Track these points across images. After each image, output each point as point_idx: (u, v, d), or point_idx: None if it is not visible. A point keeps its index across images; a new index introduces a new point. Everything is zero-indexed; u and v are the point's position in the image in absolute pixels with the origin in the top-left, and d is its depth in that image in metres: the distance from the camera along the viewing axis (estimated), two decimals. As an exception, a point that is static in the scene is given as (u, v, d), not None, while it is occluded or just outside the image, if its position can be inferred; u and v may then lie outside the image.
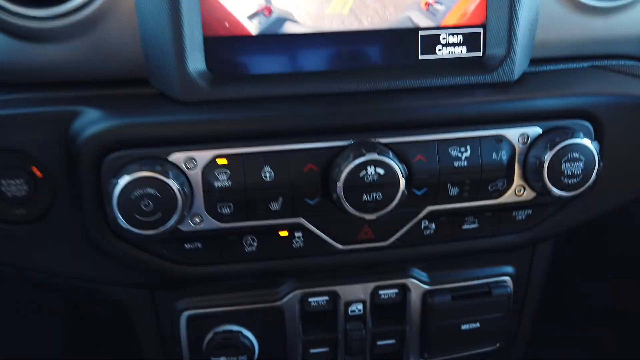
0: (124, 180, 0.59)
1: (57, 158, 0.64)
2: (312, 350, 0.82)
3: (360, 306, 0.79)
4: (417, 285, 0.79)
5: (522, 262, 0.84)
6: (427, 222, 0.71)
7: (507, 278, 0.83)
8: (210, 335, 0.77)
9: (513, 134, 0.68)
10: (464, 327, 0.82)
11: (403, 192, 0.64)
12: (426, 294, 0.80)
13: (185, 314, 0.76)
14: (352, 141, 0.64)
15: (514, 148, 0.68)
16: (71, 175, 0.64)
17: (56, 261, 0.70)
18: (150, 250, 0.67)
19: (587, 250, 1.00)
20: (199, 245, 0.67)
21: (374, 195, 0.63)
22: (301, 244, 0.69)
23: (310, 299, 0.78)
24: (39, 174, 0.66)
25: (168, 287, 0.76)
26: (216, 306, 0.77)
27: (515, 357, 0.93)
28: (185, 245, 0.67)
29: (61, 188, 0.65)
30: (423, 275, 0.80)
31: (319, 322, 0.81)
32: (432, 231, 0.71)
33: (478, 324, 0.82)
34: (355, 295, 0.79)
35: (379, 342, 0.83)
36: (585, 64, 0.77)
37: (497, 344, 0.87)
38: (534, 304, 0.88)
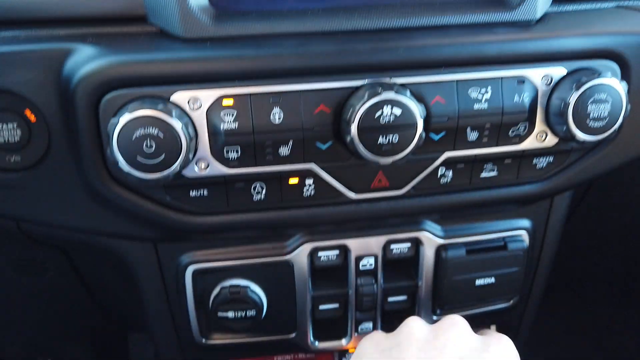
0: (124, 118, 0.55)
1: (52, 100, 0.60)
2: (322, 307, 0.79)
3: (371, 260, 0.76)
4: (431, 238, 0.76)
5: (538, 215, 0.81)
6: (444, 170, 0.67)
7: (523, 232, 0.79)
8: (217, 290, 0.75)
9: (536, 74, 0.64)
10: (478, 282, 0.79)
11: (420, 134, 0.60)
12: (440, 248, 0.77)
13: (191, 268, 0.73)
14: (366, 81, 0.61)
15: (537, 90, 0.64)
16: (67, 118, 0.60)
17: (54, 212, 0.67)
18: (153, 198, 0.64)
19: (601, 210, 0.97)
20: (205, 192, 0.64)
21: (390, 138, 0.60)
22: (312, 192, 0.65)
23: (320, 253, 0.75)
24: (32, 117, 0.62)
25: (172, 240, 0.72)
26: (223, 260, 0.74)
27: (527, 317, 0.91)
28: (191, 193, 0.63)
29: (57, 132, 0.62)
30: (437, 229, 0.77)
31: (329, 278, 0.78)
32: (449, 179, 0.68)
33: (493, 279, 0.79)
34: (367, 250, 0.76)
35: (390, 299, 0.80)
36: (610, 4, 0.73)
37: (511, 301, 0.85)
38: (549, 260, 0.85)
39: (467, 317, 0.84)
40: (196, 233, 0.69)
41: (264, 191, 0.65)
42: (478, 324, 0.90)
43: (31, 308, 1.07)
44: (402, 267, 0.80)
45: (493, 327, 0.92)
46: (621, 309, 1.33)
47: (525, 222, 0.80)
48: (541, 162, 0.69)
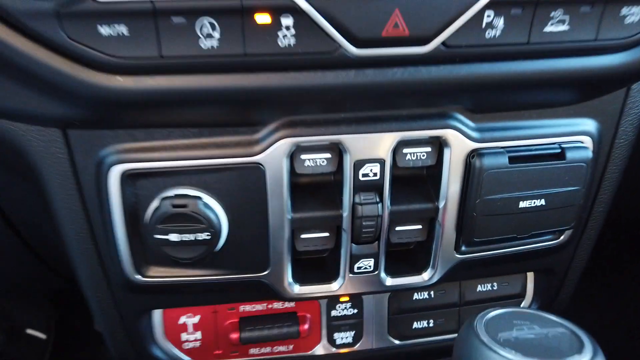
0: None
1: None
2: (305, 235, 0.57)
3: (376, 168, 0.55)
4: (460, 139, 0.54)
5: (607, 115, 0.59)
6: (492, 16, 0.44)
7: (585, 137, 0.58)
8: (155, 202, 0.53)
9: None
10: (522, 204, 0.57)
11: None
12: (472, 154, 0.55)
13: (118, 168, 0.51)
14: None
15: None
16: None
17: None
18: (43, 39, 0.41)
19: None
20: (122, 29, 0.41)
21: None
22: (291, 41, 0.43)
23: (304, 156, 0.54)
24: None
25: (87, 124, 0.50)
26: (164, 159, 0.51)
27: (577, 264, 0.69)
28: (100, 30, 0.41)
29: None
30: (469, 126, 0.55)
31: (316, 193, 0.57)
32: (497, 33, 0.45)
33: (543, 201, 0.58)
34: (370, 152, 0.54)
35: (399, 227, 0.59)
36: None
37: (562, 236, 0.63)
38: (615, 181, 0.64)
39: (499, 259, 0.64)
40: (113, 106, 0.46)
41: (216, 34, 0.42)
42: (510, 270, 0.70)
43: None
44: (417, 183, 0.58)
45: (530, 276, 0.71)
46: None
47: (589, 124, 0.58)
48: (633, 14, 0.47)
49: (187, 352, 0.66)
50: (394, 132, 0.53)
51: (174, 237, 0.52)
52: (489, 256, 0.62)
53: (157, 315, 0.64)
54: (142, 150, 0.51)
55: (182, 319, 0.64)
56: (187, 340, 0.65)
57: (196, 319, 0.65)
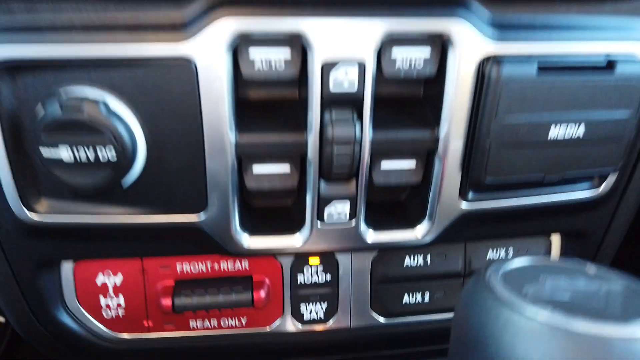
0: None
1: None
2: (257, 167, 0.43)
3: (353, 73, 0.40)
4: (471, 36, 0.39)
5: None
6: None
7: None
8: (41, 105, 0.38)
9: None
10: (553, 132, 0.42)
11: None
12: (489, 61, 0.40)
13: (-14, 54, 0.37)
14: None
15: None
16: None
17: None
18: None
19: None
20: None
21: None
22: None
23: (254, 52, 0.39)
24: None
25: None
26: (52, 42, 0.37)
27: (621, 218, 0.53)
28: None
29: None
30: (484, 18, 0.40)
31: (273, 110, 0.42)
32: None
33: (582, 129, 0.43)
34: (346, 50, 0.39)
35: (386, 163, 0.44)
36: None
37: (602, 186, 0.48)
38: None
39: (517, 213, 0.49)
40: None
41: None
42: (531, 230, 0.54)
43: None
44: (411, 103, 0.43)
45: (556, 240, 0.56)
46: None
47: (648, 27, 0.43)
48: None
49: (107, 323, 0.51)
50: (380, 18, 0.38)
51: (65, 152, 0.37)
52: (504, 209, 0.47)
53: (66, 270, 0.49)
54: (21, 29, 0.36)
55: (100, 278, 0.50)
56: (107, 306, 0.51)
57: (118, 278, 0.50)
